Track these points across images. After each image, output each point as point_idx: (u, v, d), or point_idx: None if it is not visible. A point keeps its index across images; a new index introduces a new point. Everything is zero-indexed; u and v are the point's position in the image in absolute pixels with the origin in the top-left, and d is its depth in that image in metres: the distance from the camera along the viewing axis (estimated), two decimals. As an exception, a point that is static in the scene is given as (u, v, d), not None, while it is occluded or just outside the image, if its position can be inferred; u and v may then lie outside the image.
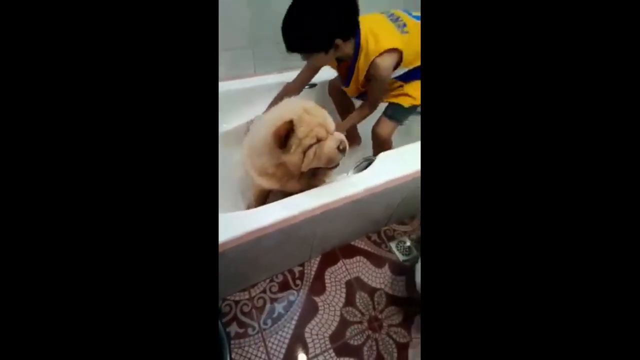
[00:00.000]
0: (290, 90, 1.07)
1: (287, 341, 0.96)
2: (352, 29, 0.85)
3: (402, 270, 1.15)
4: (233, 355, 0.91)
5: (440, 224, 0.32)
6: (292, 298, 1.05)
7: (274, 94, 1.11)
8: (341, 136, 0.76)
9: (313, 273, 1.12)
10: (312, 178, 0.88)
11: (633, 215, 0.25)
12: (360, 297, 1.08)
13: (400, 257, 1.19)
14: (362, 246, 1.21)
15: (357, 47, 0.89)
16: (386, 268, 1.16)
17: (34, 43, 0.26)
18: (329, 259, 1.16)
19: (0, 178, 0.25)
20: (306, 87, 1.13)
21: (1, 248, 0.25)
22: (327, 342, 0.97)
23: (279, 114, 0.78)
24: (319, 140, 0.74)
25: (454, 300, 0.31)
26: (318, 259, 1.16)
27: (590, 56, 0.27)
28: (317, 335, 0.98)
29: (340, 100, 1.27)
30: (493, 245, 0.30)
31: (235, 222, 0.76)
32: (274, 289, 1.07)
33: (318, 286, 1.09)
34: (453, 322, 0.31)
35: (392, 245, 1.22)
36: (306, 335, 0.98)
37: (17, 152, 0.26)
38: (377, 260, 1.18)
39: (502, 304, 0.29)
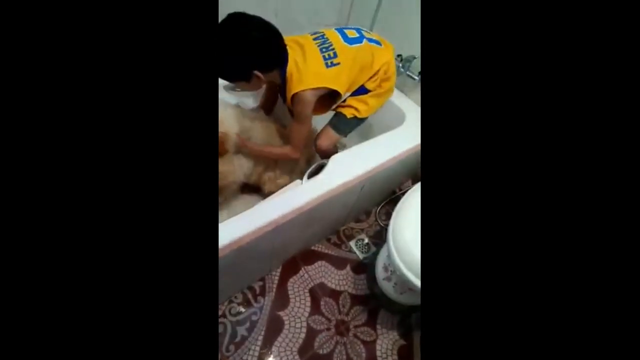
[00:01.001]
0: (263, 109, 1.08)
1: (253, 365, 0.90)
2: (271, 64, 0.80)
3: (363, 268, 1.16)
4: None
5: (441, 224, 0.32)
6: (254, 318, 0.99)
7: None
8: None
9: (275, 286, 1.07)
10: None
11: (633, 216, 0.26)
12: (326, 303, 1.06)
13: (361, 256, 1.19)
14: (322, 250, 1.19)
15: (284, 75, 0.83)
16: (348, 269, 1.16)
17: (38, 50, 0.26)
18: (290, 268, 1.12)
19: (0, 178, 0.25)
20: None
21: (1, 248, 0.25)
22: (297, 357, 0.94)
23: None
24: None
25: (454, 300, 0.30)
26: (279, 270, 1.10)
27: (590, 56, 0.27)
28: (284, 351, 0.94)
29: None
30: (493, 245, 0.29)
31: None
32: (234, 311, 0.99)
33: (281, 299, 1.04)
34: (453, 322, 0.30)
35: (352, 244, 1.23)
36: (273, 354, 0.93)
37: (17, 152, 0.26)
38: (338, 262, 1.17)
39: (502, 304, 0.29)
